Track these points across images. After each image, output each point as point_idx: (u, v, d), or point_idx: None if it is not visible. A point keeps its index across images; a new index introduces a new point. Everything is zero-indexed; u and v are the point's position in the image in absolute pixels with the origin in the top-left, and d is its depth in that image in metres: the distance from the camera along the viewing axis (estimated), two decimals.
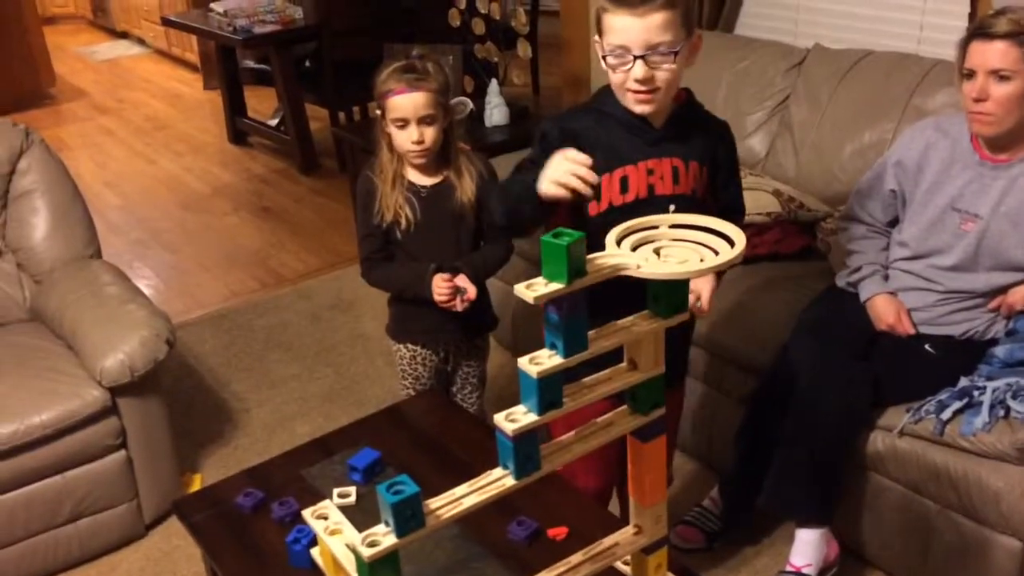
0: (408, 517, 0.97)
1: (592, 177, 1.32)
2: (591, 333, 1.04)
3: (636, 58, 1.46)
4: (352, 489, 1.63)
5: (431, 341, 2.12)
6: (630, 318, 1.10)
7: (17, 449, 2.09)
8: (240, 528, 1.60)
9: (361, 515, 1.45)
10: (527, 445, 1.04)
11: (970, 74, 1.86)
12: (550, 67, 4.65)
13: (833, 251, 2.45)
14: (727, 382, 2.33)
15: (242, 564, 1.53)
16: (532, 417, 1.02)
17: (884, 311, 2.04)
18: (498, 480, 1.05)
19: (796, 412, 1.95)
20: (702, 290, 1.66)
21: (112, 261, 2.72)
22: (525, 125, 3.48)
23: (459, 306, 1.97)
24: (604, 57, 1.51)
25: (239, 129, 5.30)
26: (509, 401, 1.02)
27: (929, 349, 2.00)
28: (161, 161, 5.19)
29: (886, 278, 2.11)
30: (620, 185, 1.55)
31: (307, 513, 1.11)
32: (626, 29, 1.46)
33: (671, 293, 1.08)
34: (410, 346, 2.13)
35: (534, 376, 1.00)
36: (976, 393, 1.89)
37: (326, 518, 1.09)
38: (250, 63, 5.64)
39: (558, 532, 1.52)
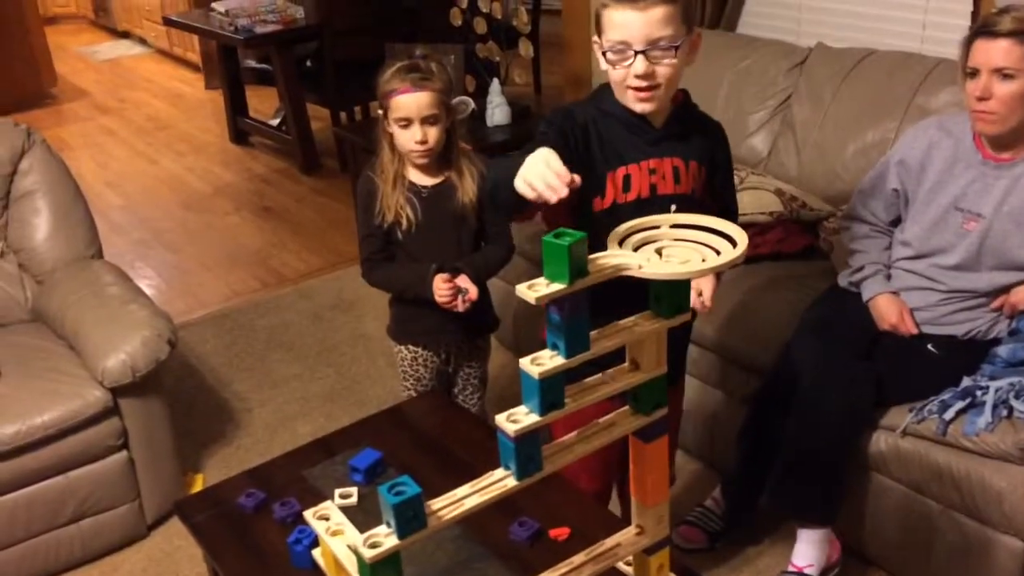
0: (410, 518, 0.97)
1: (561, 191, 1.21)
2: (593, 333, 1.04)
3: (637, 53, 1.46)
4: (354, 490, 1.62)
5: (432, 342, 2.12)
6: (632, 318, 1.10)
7: (19, 450, 2.09)
8: (242, 529, 1.60)
9: (363, 516, 1.45)
10: (529, 446, 1.03)
11: (973, 73, 1.85)
12: (552, 66, 4.65)
13: (835, 250, 2.44)
14: (729, 382, 2.33)
15: (244, 565, 1.53)
16: (534, 418, 1.02)
17: (887, 311, 2.04)
18: (500, 481, 1.05)
19: (798, 412, 1.95)
20: (704, 287, 1.66)
21: (114, 261, 2.72)
22: (527, 124, 3.48)
23: (460, 307, 1.97)
24: (604, 54, 1.51)
25: (240, 129, 5.31)
26: (511, 402, 1.02)
27: (932, 349, 2.00)
28: (163, 161, 5.19)
29: (889, 278, 2.10)
30: (623, 184, 1.55)
31: (309, 514, 1.10)
32: (627, 24, 1.45)
33: (673, 293, 1.08)
34: (411, 347, 2.13)
35: (536, 377, 0.99)
36: (979, 393, 1.88)
37: (328, 519, 1.09)
38: (251, 63, 5.63)
39: (560, 533, 1.51)
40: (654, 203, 1.53)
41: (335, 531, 1.07)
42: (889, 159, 2.12)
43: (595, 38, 1.56)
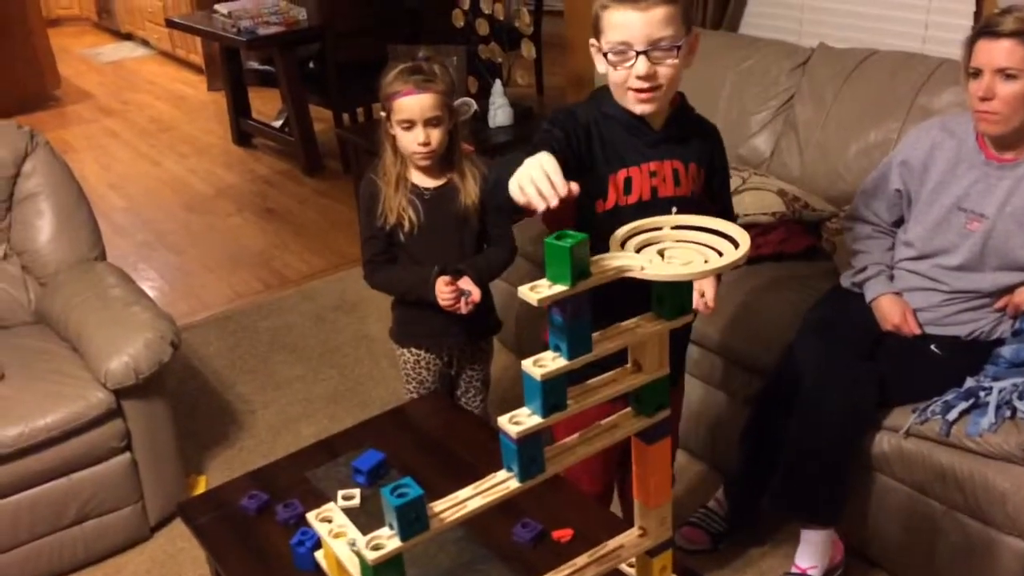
0: (412, 520, 0.96)
1: (551, 200, 1.17)
2: (595, 335, 1.04)
3: (639, 54, 1.46)
4: (356, 491, 1.62)
5: (435, 345, 2.12)
6: (634, 320, 1.09)
7: (22, 452, 2.09)
8: (245, 530, 1.60)
9: (365, 517, 1.45)
10: (531, 447, 1.03)
11: (976, 73, 1.85)
12: (554, 67, 4.66)
13: (838, 251, 2.44)
14: (732, 383, 2.33)
15: (246, 566, 1.53)
16: (536, 419, 1.02)
17: (889, 311, 2.04)
18: (502, 483, 1.04)
19: (801, 413, 1.94)
20: (706, 288, 1.66)
21: (117, 263, 2.72)
22: (529, 126, 3.48)
23: (463, 308, 1.97)
24: (605, 55, 1.50)
25: (243, 130, 5.31)
26: (513, 403, 1.02)
27: (935, 349, 1.99)
28: (165, 163, 5.20)
29: (891, 278, 2.10)
30: (624, 186, 1.55)
31: (311, 516, 1.10)
32: (628, 24, 1.45)
33: (675, 295, 1.08)
34: (414, 350, 2.13)
35: (538, 378, 0.99)
36: (982, 394, 1.88)
37: (330, 521, 1.09)
38: (254, 64, 5.64)
39: (563, 534, 1.51)
40: (655, 206, 1.53)
41: (338, 533, 1.07)
42: (892, 159, 2.12)
43: (592, 41, 1.54)
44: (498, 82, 3.60)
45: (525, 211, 1.35)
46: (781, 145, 2.86)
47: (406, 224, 1.97)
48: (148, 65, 7.41)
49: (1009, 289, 1.96)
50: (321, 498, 1.59)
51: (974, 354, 1.98)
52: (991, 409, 1.84)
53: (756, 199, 2.53)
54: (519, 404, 1.04)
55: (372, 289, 2.11)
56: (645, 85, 1.48)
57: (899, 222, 2.14)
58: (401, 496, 0.95)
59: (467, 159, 2.03)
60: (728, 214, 1.77)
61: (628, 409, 1.16)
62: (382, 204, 1.98)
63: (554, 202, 1.16)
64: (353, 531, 1.06)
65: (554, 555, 1.40)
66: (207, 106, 6.21)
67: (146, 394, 2.25)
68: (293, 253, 4.00)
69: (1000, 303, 1.98)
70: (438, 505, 1.01)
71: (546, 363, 1.01)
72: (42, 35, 6.23)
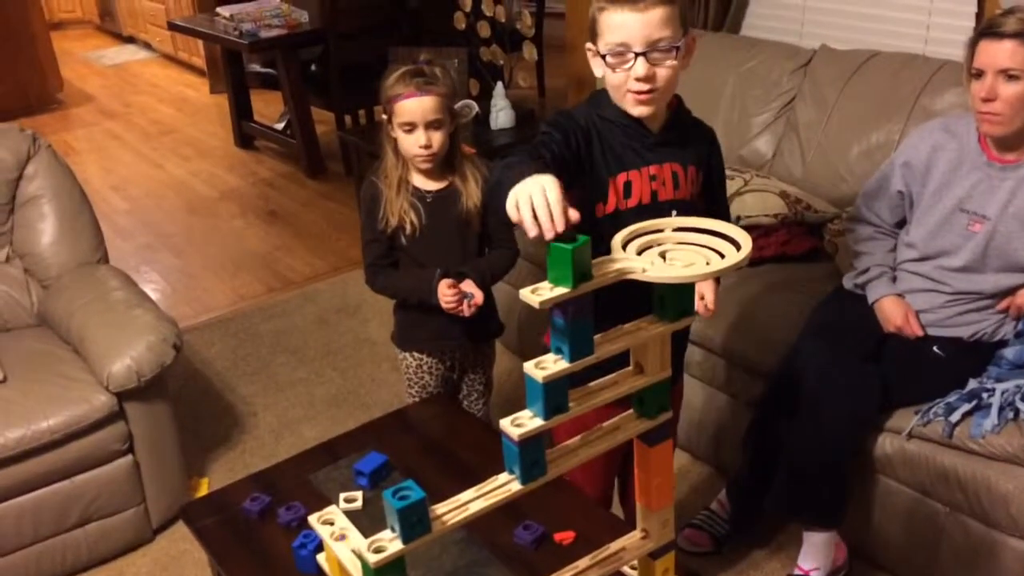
0: (414, 523, 0.96)
1: (547, 232, 1.05)
2: (597, 337, 1.04)
3: (637, 55, 1.45)
4: (358, 494, 1.62)
5: (437, 349, 2.11)
6: (636, 322, 1.09)
7: (25, 454, 2.09)
8: (247, 533, 1.60)
9: (367, 520, 1.45)
10: (533, 450, 1.03)
11: (979, 74, 1.85)
12: (556, 69, 4.65)
13: (840, 253, 2.44)
14: (734, 385, 2.32)
15: (249, 569, 1.53)
16: (538, 422, 1.02)
17: (892, 313, 2.04)
18: (504, 485, 1.04)
19: (804, 415, 1.94)
20: (706, 291, 1.66)
21: (119, 266, 2.72)
22: (531, 128, 3.48)
23: (466, 311, 1.96)
24: (604, 57, 1.49)
25: (245, 133, 5.32)
26: (516, 406, 1.02)
27: (937, 351, 1.99)
28: (168, 165, 5.20)
29: (894, 280, 2.10)
30: (624, 190, 1.54)
31: (313, 518, 1.10)
32: (626, 25, 1.44)
33: (677, 297, 1.08)
34: (416, 354, 2.12)
35: (540, 381, 0.99)
36: (985, 395, 1.88)
37: (332, 523, 1.09)
38: (256, 67, 5.65)
39: (565, 536, 1.51)
40: (655, 209, 1.52)
41: (340, 535, 1.07)
42: (894, 161, 2.11)
43: (589, 44, 1.54)
44: (500, 84, 3.60)
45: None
46: (783, 147, 2.86)
47: (408, 227, 1.97)
48: (150, 68, 7.42)
49: (1011, 290, 1.96)
50: (323, 500, 1.59)
51: (977, 355, 1.98)
52: (994, 411, 1.84)
53: (758, 201, 2.53)
54: (522, 407, 1.04)
55: (374, 293, 2.11)
56: (644, 87, 1.47)
57: (901, 223, 2.14)
58: (403, 499, 0.95)
59: (468, 161, 2.03)
60: (725, 217, 1.76)
61: (630, 411, 1.15)
62: (383, 207, 1.98)
63: (549, 235, 1.04)
64: (355, 534, 1.06)
65: (556, 557, 1.40)
66: (209, 109, 6.22)
67: (148, 396, 2.25)
68: (295, 255, 4.00)
69: (1002, 304, 1.97)
70: (440, 507, 1.01)
71: (548, 365, 1.01)
72: (45, 38, 6.24)
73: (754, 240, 1.06)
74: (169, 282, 3.83)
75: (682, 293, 1.08)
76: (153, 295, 2.93)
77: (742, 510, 2.19)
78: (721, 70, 2.98)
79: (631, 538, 1.23)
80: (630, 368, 1.13)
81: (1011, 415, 1.84)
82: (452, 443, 1.82)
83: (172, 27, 5.44)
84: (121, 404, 2.21)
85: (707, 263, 1.02)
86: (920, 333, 2.01)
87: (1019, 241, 1.91)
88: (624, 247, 1.06)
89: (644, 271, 1.01)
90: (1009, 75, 1.81)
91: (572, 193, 1.35)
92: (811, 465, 1.94)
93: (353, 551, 1.02)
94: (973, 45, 1.87)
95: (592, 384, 1.09)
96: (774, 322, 2.24)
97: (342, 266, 3.84)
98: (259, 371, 3.11)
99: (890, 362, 1.99)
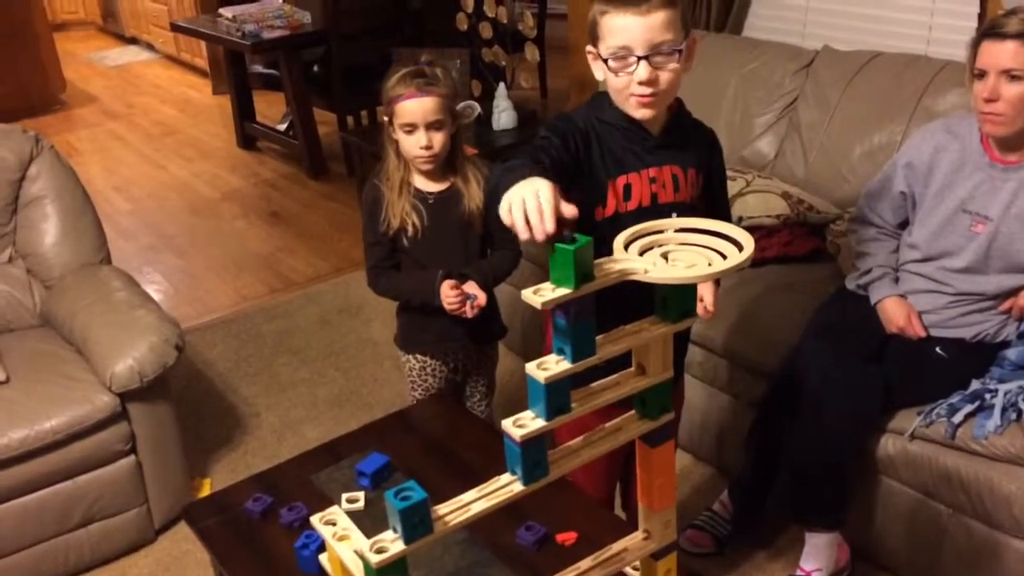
0: (416, 523, 0.96)
1: (537, 235, 1.04)
2: (599, 338, 1.04)
3: (640, 59, 1.45)
4: (360, 494, 1.62)
5: (440, 351, 2.11)
6: (638, 323, 1.09)
7: (28, 454, 2.09)
8: (249, 533, 1.60)
9: (369, 520, 1.45)
10: (535, 451, 1.03)
11: (981, 74, 1.85)
12: (558, 70, 4.66)
13: (843, 253, 2.44)
14: (736, 385, 2.32)
15: (251, 569, 1.53)
16: (540, 423, 1.02)
17: (894, 314, 2.04)
18: (506, 486, 1.04)
19: (806, 416, 1.94)
20: (705, 294, 1.65)
21: (122, 266, 2.73)
22: (533, 129, 3.49)
23: (469, 312, 1.96)
24: (606, 61, 1.48)
25: (248, 134, 5.32)
26: (519, 406, 1.02)
27: (940, 352, 1.99)
28: (170, 166, 5.21)
29: (896, 280, 2.10)
30: (623, 193, 1.54)
31: (315, 519, 1.10)
32: (628, 29, 1.44)
33: (679, 297, 1.08)
34: (419, 356, 2.12)
35: (542, 381, 0.99)
36: (988, 396, 1.88)
37: (334, 524, 1.09)
38: (259, 68, 5.65)
39: (567, 537, 1.51)
40: (655, 212, 1.52)
41: (342, 536, 1.07)
42: (896, 162, 2.11)
43: (590, 47, 1.53)
44: (502, 85, 3.60)
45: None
46: (785, 147, 2.86)
47: (410, 229, 1.97)
48: (153, 69, 7.43)
49: (1013, 291, 1.96)
50: (325, 501, 1.59)
51: (979, 356, 1.97)
52: (997, 411, 1.84)
53: (760, 202, 2.53)
54: (525, 407, 1.04)
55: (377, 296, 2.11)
56: (647, 91, 1.47)
57: (904, 224, 2.14)
58: (405, 499, 0.95)
59: (470, 163, 2.03)
60: (726, 220, 1.76)
61: (632, 412, 1.15)
62: (386, 209, 1.98)
63: (539, 236, 1.03)
64: (357, 534, 1.06)
65: (558, 558, 1.40)
66: (212, 110, 6.23)
67: (151, 397, 2.25)
68: (297, 256, 4.00)
69: (1005, 305, 1.97)
70: (442, 508, 1.01)
71: (549, 366, 1.01)
72: (48, 39, 6.25)
73: (756, 241, 1.06)
74: (171, 283, 3.83)
75: (684, 294, 1.08)
76: (155, 296, 2.93)
77: (744, 511, 2.19)
78: (723, 71, 2.98)
79: (633, 539, 1.23)
80: (632, 369, 1.13)
81: (1014, 416, 1.84)
82: (454, 443, 1.82)
83: (175, 28, 5.45)
84: (124, 405, 2.21)
85: (709, 264, 1.02)
86: (923, 334, 2.01)
87: (1021, 242, 1.90)
88: (626, 248, 1.06)
89: (646, 272, 1.01)
90: (1012, 76, 1.81)
91: (571, 196, 1.35)
92: (813, 466, 1.94)
93: (355, 552, 1.02)
94: (975, 46, 1.87)
95: (594, 385, 1.09)
96: (776, 323, 2.24)
97: (344, 267, 3.84)
98: (261, 372, 3.12)
99: (892, 363, 1.98)
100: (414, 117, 1.89)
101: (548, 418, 1.02)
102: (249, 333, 3.36)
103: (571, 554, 1.37)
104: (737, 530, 2.20)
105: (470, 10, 3.64)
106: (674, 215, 1.15)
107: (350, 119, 4.84)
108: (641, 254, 1.05)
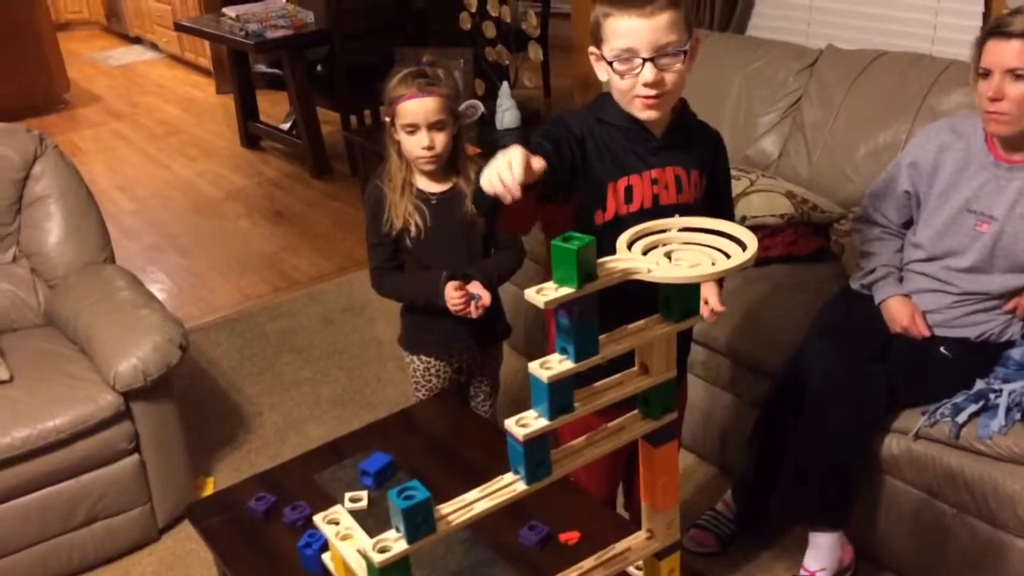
0: (419, 523, 0.96)
1: (514, 189, 1.19)
2: (602, 337, 1.04)
3: (645, 61, 1.44)
4: (364, 493, 1.63)
5: (445, 352, 2.10)
6: (641, 322, 1.09)
7: (32, 453, 2.10)
8: (252, 532, 1.60)
9: (372, 520, 1.46)
10: (538, 450, 1.03)
11: (986, 73, 1.84)
12: (561, 69, 4.65)
13: (847, 253, 2.43)
14: (740, 385, 2.32)
15: (254, 568, 1.53)
16: (543, 422, 1.01)
17: (899, 313, 2.03)
18: (509, 485, 1.04)
19: (810, 415, 1.94)
20: (709, 294, 1.65)
21: (125, 266, 2.73)
22: (536, 128, 3.48)
23: (474, 312, 1.96)
24: (611, 63, 1.48)
25: (251, 133, 5.33)
26: (523, 406, 1.02)
27: (944, 352, 1.99)
28: (174, 166, 5.22)
29: (901, 280, 2.09)
30: (625, 195, 1.53)
31: (318, 518, 1.10)
32: (633, 31, 1.43)
33: (683, 297, 1.08)
34: (424, 358, 2.12)
35: (545, 381, 0.99)
36: (992, 396, 1.87)
37: (337, 523, 1.09)
38: (262, 67, 5.67)
39: (570, 537, 1.51)
40: (657, 213, 1.50)
41: (345, 535, 1.07)
42: (900, 161, 2.11)
43: (592, 49, 1.52)
44: (505, 84, 3.60)
45: (498, 214, 1.35)
46: (789, 147, 2.85)
47: (413, 230, 1.97)
48: (157, 68, 7.44)
49: (1018, 291, 1.95)
50: (328, 500, 1.59)
51: (984, 356, 1.97)
52: (1001, 411, 1.83)
53: (764, 201, 2.53)
54: (528, 407, 1.04)
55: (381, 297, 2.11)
56: (652, 92, 1.46)
57: (908, 224, 2.13)
58: (408, 498, 0.95)
59: (472, 162, 2.03)
60: (730, 220, 1.75)
61: (635, 412, 1.15)
62: (388, 210, 1.98)
63: (516, 192, 1.18)
64: (360, 533, 1.06)
65: (561, 557, 1.40)
66: (215, 109, 6.23)
67: (154, 396, 2.26)
68: (301, 255, 4.01)
69: (1009, 305, 1.97)
70: (445, 507, 1.01)
71: (553, 366, 1.00)
72: (51, 39, 6.25)
73: (760, 240, 1.06)
74: (175, 282, 3.84)
75: (687, 293, 1.08)
76: (159, 295, 2.93)
77: (748, 510, 2.19)
78: (727, 70, 2.97)
79: (636, 538, 1.23)
80: (635, 368, 1.13)
81: (1018, 416, 1.83)
82: (457, 443, 1.82)
83: (179, 28, 5.46)
84: (127, 404, 2.22)
85: (713, 263, 1.02)
86: (927, 333, 2.01)
87: None
88: (629, 247, 1.06)
89: (649, 271, 1.01)
90: (1016, 75, 1.80)
91: (573, 198, 1.34)
92: (817, 465, 1.93)
93: (358, 551, 1.02)
94: (980, 45, 1.86)
95: (597, 384, 1.09)
96: (780, 322, 2.24)
97: (348, 266, 3.84)
98: (265, 371, 3.12)
99: (897, 363, 1.98)
100: (416, 117, 1.89)
101: (551, 417, 1.01)
102: (253, 332, 3.37)
103: (574, 554, 1.38)
104: (740, 529, 2.20)
105: (473, 9, 3.63)
106: (676, 215, 1.14)
107: (353, 118, 4.85)
108: (644, 253, 1.05)
